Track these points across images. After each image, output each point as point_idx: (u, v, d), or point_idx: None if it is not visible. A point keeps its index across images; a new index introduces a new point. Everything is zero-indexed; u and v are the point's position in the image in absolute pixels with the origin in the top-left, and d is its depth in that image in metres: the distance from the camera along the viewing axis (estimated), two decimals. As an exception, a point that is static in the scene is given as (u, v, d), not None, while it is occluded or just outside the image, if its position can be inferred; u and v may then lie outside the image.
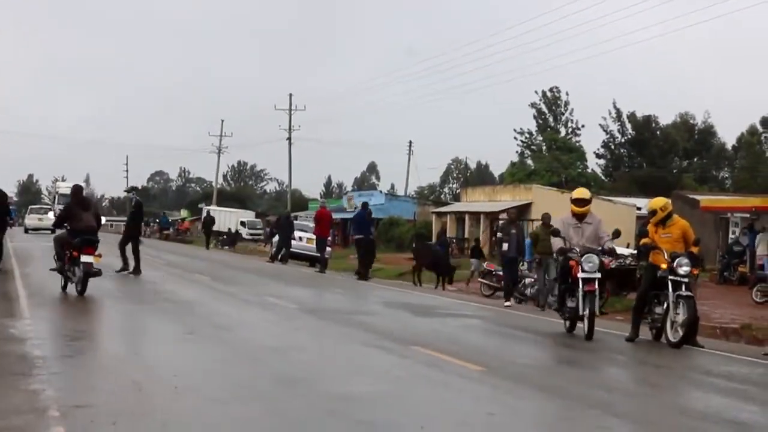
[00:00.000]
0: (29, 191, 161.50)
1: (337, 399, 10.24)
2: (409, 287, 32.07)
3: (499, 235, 26.11)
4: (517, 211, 26.63)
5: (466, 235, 58.09)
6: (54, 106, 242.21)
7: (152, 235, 78.68)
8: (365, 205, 35.42)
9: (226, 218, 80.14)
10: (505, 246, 25.84)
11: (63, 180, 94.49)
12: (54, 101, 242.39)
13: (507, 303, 25.72)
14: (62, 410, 8.78)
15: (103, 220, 27.43)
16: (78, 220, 20.36)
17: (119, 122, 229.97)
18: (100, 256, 20.12)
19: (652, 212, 16.84)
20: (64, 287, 20.48)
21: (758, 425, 10.48)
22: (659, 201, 17.13)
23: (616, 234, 17.88)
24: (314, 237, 39.54)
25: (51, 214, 78.12)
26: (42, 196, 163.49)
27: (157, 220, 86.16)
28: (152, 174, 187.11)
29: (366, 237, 34.26)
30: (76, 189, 21.97)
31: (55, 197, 71.65)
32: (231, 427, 8.78)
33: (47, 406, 9.02)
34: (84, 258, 19.61)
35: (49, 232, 65.12)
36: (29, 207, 73.89)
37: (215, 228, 64.56)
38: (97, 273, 19.97)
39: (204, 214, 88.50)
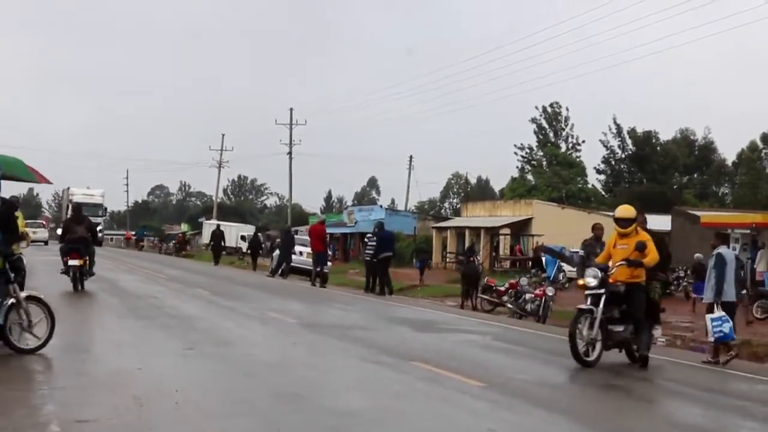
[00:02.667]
0: (30, 204, 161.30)
1: (336, 414, 10.24)
2: (408, 302, 32.05)
3: (580, 253, 23.23)
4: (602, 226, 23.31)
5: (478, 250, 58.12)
6: (53, 118, 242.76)
7: (128, 247, 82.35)
8: (383, 224, 36.27)
9: (226, 232, 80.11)
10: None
11: (67, 190, 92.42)
12: (53, 114, 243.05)
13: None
14: (63, 425, 8.79)
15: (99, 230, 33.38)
16: (73, 232, 25.06)
17: (120, 135, 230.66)
18: (85, 261, 24.70)
19: (616, 221, 15.82)
20: (75, 286, 24.64)
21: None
22: (621, 209, 15.97)
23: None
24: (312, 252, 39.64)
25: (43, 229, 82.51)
26: (42, 210, 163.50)
27: (134, 233, 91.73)
28: (153, 188, 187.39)
29: (390, 255, 34.86)
30: (76, 207, 27.65)
31: (68, 205, 70.49)
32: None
33: (48, 420, 9.04)
34: (71, 262, 24.48)
35: (43, 243, 66.06)
36: (25, 221, 73.20)
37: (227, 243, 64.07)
38: (89, 273, 25.15)
39: (207, 228, 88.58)
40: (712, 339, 17.82)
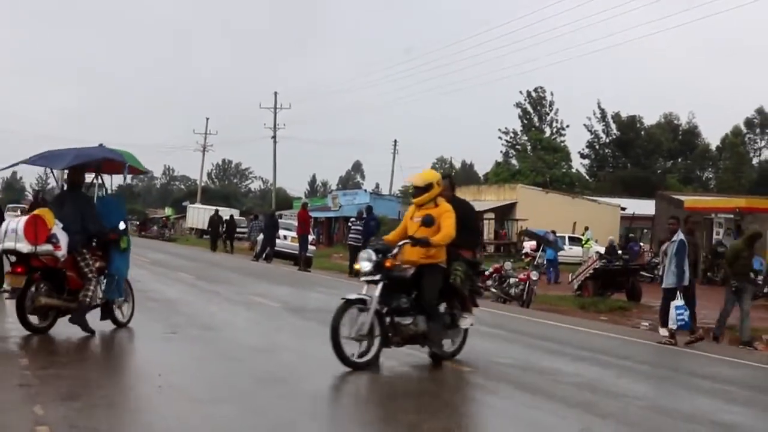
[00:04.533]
0: (12, 188, 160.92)
1: (321, 399, 10.24)
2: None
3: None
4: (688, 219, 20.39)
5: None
6: (36, 102, 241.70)
7: None
8: (371, 208, 36.22)
9: (209, 216, 79.80)
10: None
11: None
12: (36, 97, 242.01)
13: (664, 333, 19.09)
14: (46, 408, 8.75)
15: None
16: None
17: (103, 119, 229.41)
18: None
19: (416, 189, 12.91)
20: None
21: (742, 426, 10.52)
22: (416, 175, 13.09)
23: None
24: (297, 236, 39.66)
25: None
26: (26, 193, 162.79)
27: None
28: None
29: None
30: (35, 194, 29.96)
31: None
32: (213, 427, 8.76)
33: (32, 402, 8.99)
34: None
35: None
36: (7, 205, 72.89)
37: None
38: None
39: (191, 212, 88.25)
40: (674, 327, 17.97)
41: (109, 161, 15.27)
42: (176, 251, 51.34)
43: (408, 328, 12.34)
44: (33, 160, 14.95)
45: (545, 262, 40.01)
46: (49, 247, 13.38)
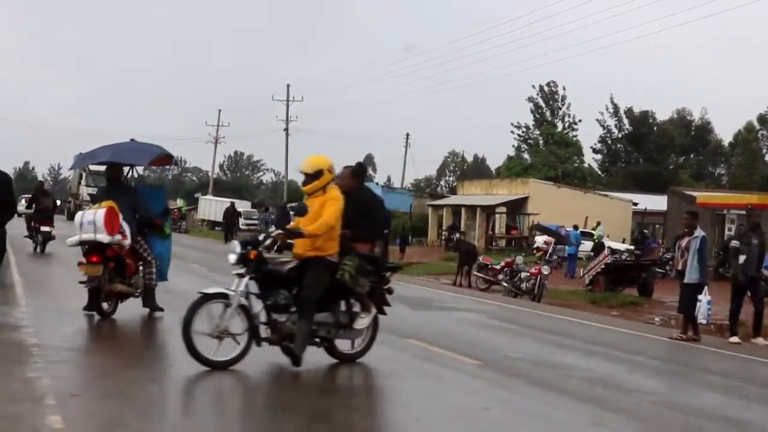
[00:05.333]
0: (25, 178, 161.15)
1: (330, 392, 10.27)
2: (403, 279, 32.04)
3: (734, 244, 18.73)
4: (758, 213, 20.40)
5: (462, 228, 58.12)
6: (50, 93, 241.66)
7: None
8: (382, 202, 36.07)
9: (221, 208, 79.59)
10: (742, 258, 18.56)
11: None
12: (50, 88, 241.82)
13: (733, 339, 18.64)
14: (58, 399, 8.78)
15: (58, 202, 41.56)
16: (39, 203, 30.54)
17: (116, 110, 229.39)
18: (53, 226, 30.11)
19: (305, 176, 11.80)
20: (35, 248, 30.28)
21: (753, 423, 10.52)
22: (305, 160, 11.99)
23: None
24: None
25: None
26: (44, 182, 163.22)
27: None
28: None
29: (387, 233, 35.20)
30: (39, 184, 34.19)
31: (82, 175, 62.70)
32: (222, 416, 8.79)
33: (43, 394, 9.02)
34: (43, 228, 29.77)
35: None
36: (21, 195, 72.49)
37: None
38: (52, 237, 29.75)
39: (203, 204, 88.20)
40: (704, 321, 17.94)
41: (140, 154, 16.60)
42: (188, 243, 51.33)
43: (285, 325, 11.28)
44: (75, 165, 16.50)
45: (566, 256, 40.06)
46: (119, 237, 14.54)
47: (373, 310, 12.00)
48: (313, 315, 11.37)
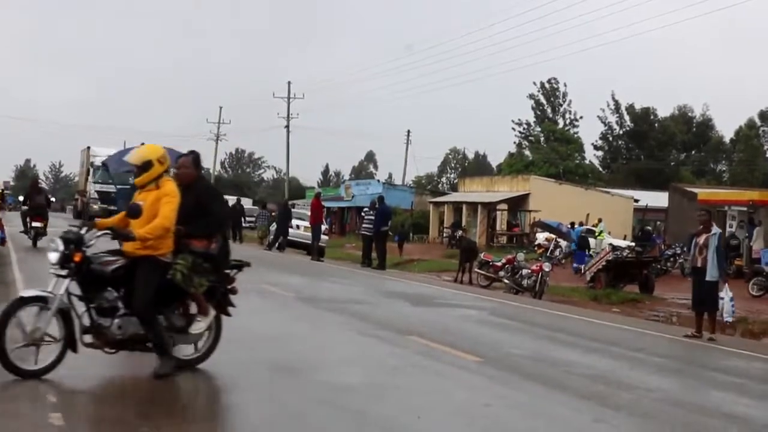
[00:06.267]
0: (26, 176, 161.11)
1: (332, 389, 10.26)
2: (405, 276, 32.07)
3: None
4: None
5: (464, 224, 58.04)
6: (50, 90, 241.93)
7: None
8: (383, 198, 36.20)
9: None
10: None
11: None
12: (50, 85, 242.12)
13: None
14: (60, 396, 8.80)
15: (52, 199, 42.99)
16: (33, 200, 32.01)
17: (116, 107, 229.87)
18: (45, 223, 31.33)
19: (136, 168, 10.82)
20: (33, 243, 30.80)
21: (755, 419, 10.52)
22: (139, 152, 10.98)
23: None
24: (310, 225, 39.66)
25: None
26: (39, 180, 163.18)
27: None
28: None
29: (387, 229, 35.60)
30: (33, 182, 35.44)
31: (89, 171, 56.81)
32: (226, 415, 8.80)
33: (45, 391, 9.04)
34: (35, 223, 31.07)
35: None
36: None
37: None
38: (45, 233, 30.46)
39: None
40: (731, 319, 17.96)
41: None
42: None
43: (110, 330, 10.15)
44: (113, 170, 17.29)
45: (572, 252, 40.06)
46: None
47: (212, 312, 11.11)
48: (155, 317, 10.34)
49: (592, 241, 40.75)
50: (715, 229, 18.11)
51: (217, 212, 11.51)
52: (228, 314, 11.37)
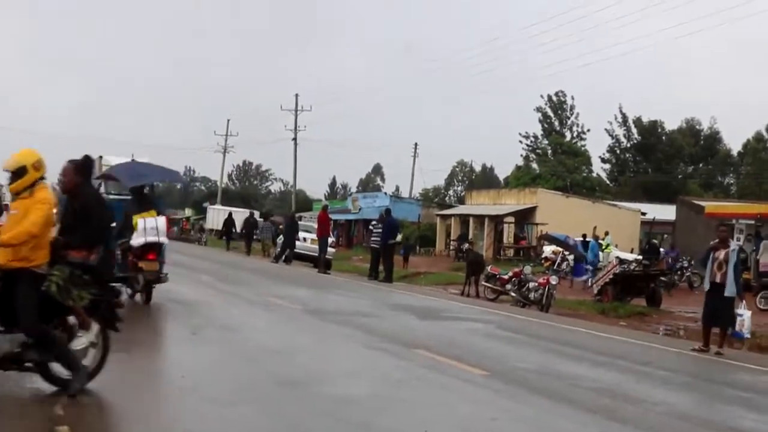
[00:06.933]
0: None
1: (338, 401, 10.25)
2: (412, 289, 32.05)
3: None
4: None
5: (470, 237, 57.95)
6: (52, 100, 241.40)
7: None
8: (390, 211, 36.26)
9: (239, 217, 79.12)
10: None
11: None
12: (52, 96, 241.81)
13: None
14: (66, 408, 8.79)
15: None
16: None
17: (125, 119, 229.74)
18: None
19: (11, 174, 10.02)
20: None
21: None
22: (14, 157, 10.06)
23: None
24: (317, 238, 39.66)
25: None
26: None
27: None
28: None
29: (395, 242, 35.68)
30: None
31: (101, 183, 55.90)
32: (231, 429, 8.80)
33: (52, 401, 9.04)
34: None
35: None
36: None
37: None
38: None
39: (212, 213, 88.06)
40: (748, 335, 17.96)
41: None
42: (196, 252, 51.44)
43: None
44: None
45: (586, 265, 39.98)
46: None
47: (95, 326, 10.26)
48: (49, 333, 9.73)
49: (592, 254, 40.61)
50: (734, 245, 18.07)
51: (99, 221, 10.70)
52: (116, 329, 10.42)
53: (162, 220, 18.91)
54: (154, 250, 18.56)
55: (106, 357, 10.27)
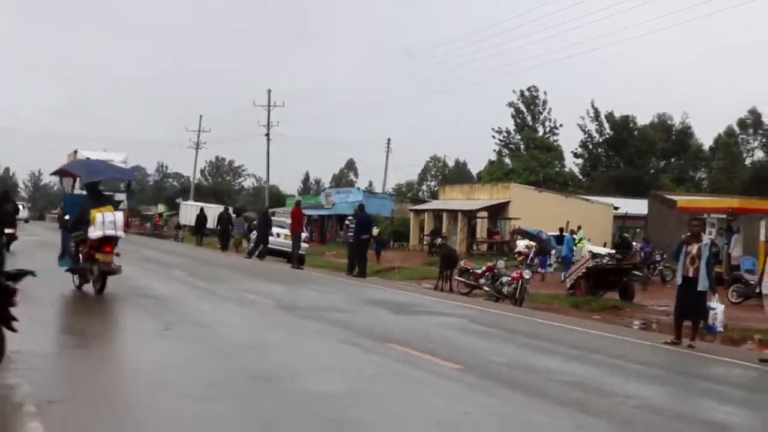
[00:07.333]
0: (5, 185, 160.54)
1: (311, 397, 10.22)
2: (386, 284, 32.04)
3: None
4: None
5: (444, 232, 57.99)
6: (28, 98, 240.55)
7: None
8: (363, 206, 36.31)
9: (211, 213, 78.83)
10: None
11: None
12: (27, 93, 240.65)
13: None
14: (38, 406, 8.74)
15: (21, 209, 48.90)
16: (2, 208, 30.82)
17: (96, 115, 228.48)
18: (15, 230, 33.76)
19: None
20: (7, 248, 29.10)
21: (734, 426, 10.53)
22: None
23: None
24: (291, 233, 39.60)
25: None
26: (18, 189, 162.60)
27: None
28: (129, 168, 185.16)
29: (369, 237, 35.63)
30: (3, 192, 34.28)
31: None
32: (204, 425, 8.75)
33: (23, 401, 8.99)
34: (7, 230, 30.11)
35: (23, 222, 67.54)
36: None
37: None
38: (15, 238, 32.77)
39: (184, 209, 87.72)
40: (721, 329, 18.07)
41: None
42: (169, 248, 51.27)
43: None
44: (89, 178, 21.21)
45: (561, 258, 40.05)
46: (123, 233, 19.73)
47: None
48: None
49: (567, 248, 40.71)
50: (706, 239, 18.16)
51: None
52: (12, 328, 10.17)
53: (120, 215, 19.67)
54: (110, 243, 19.31)
55: (2, 356, 10.15)
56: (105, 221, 19.17)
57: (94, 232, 19.20)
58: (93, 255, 19.34)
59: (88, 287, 19.81)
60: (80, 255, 19.87)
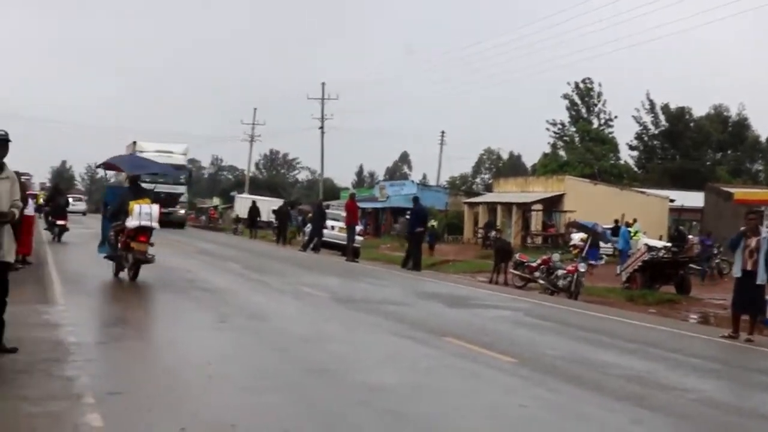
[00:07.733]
0: (62, 177, 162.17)
1: (367, 389, 10.25)
2: (440, 277, 32.02)
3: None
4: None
5: (498, 226, 57.86)
6: (86, 93, 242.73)
7: None
8: (418, 199, 36.33)
9: (266, 207, 79.09)
10: None
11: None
12: (85, 88, 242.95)
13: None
14: (97, 397, 8.83)
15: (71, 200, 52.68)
16: (55, 201, 37.19)
17: (152, 109, 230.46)
18: (66, 221, 36.33)
19: None
20: (53, 238, 35.44)
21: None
22: None
23: None
24: (345, 226, 39.68)
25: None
26: (74, 182, 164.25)
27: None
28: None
29: (423, 230, 35.62)
30: (55, 185, 38.90)
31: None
32: (261, 416, 8.81)
33: (82, 392, 9.08)
34: (59, 222, 35.66)
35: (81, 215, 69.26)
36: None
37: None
38: (67, 229, 35.87)
39: (239, 202, 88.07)
40: None
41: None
42: (224, 241, 51.56)
43: None
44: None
45: (618, 251, 39.82)
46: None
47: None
48: None
49: (623, 241, 40.48)
50: (765, 232, 17.97)
51: None
52: None
53: (155, 208, 20.49)
54: (146, 232, 20.13)
55: None
56: (142, 212, 19.99)
57: (131, 222, 20.05)
58: (129, 244, 20.25)
59: (123, 275, 20.84)
60: (119, 243, 20.71)
